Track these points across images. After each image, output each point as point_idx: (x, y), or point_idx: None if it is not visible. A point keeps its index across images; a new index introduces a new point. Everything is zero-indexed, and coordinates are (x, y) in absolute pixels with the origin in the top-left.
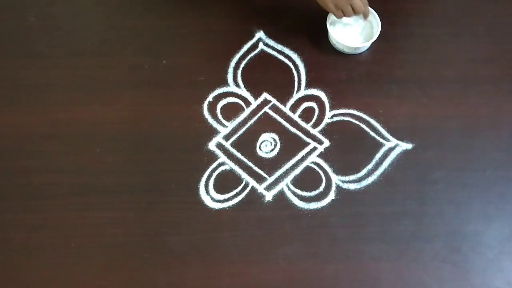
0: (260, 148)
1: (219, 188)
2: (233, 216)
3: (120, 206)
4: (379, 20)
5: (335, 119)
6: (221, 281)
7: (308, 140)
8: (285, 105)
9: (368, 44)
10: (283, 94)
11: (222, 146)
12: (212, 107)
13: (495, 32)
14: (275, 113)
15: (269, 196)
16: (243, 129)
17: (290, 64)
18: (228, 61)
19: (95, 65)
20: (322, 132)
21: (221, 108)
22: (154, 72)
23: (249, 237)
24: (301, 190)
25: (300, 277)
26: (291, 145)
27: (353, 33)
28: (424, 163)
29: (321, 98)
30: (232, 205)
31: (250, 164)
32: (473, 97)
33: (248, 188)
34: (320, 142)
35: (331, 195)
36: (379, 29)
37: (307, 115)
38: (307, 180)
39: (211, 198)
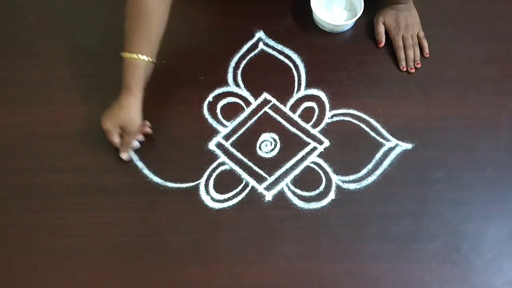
0: (260, 148)
1: (219, 188)
2: (233, 216)
3: (120, 206)
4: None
5: (335, 119)
6: (221, 281)
7: (308, 140)
8: (285, 105)
9: (349, 23)
10: (283, 94)
11: (222, 146)
12: (212, 107)
13: (495, 32)
14: (275, 113)
15: (269, 196)
16: (243, 129)
17: (290, 64)
18: (228, 61)
19: (95, 65)
20: (322, 132)
21: (221, 108)
22: (154, 72)
23: (249, 237)
24: (301, 190)
25: (300, 277)
26: (291, 145)
27: (337, 10)
28: (424, 163)
29: (321, 98)
30: (232, 205)
31: (250, 164)
32: (473, 97)
33: (248, 188)
34: (320, 142)
35: (331, 195)
36: (362, 6)
37: (307, 115)
38: (307, 180)
39: (211, 198)
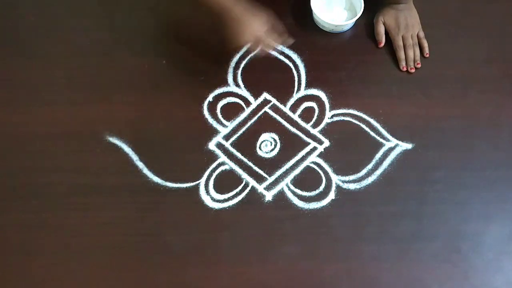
0: (260, 148)
1: (219, 188)
2: (233, 216)
3: (120, 206)
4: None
5: (335, 119)
6: (221, 281)
7: (308, 140)
8: (285, 105)
9: (349, 23)
10: (283, 94)
11: (222, 146)
12: (212, 107)
13: (495, 32)
14: (275, 113)
15: (269, 196)
16: (243, 129)
17: (290, 64)
18: (228, 61)
19: (95, 65)
20: (322, 132)
21: (221, 108)
22: (154, 72)
23: (249, 237)
24: (301, 190)
25: (300, 277)
26: (291, 145)
27: (337, 10)
28: (424, 163)
29: (321, 98)
30: (232, 205)
31: (250, 164)
32: (473, 97)
33: (248, 188)
34: (320, 142)
35: (331, 195)
36: (362, 6)
37: (307, 115)
38: (307, 180)
39: (211, 198)
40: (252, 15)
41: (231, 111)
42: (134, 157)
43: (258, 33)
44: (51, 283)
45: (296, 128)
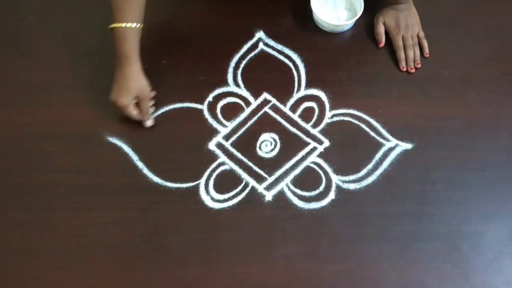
0: (260, 148)
1: (219, 188)
2: (233, 216)
3: (120, 206)
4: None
5: (335, 119)
6: (221, 281)
7: (308, 140)
8: (285, 105)
9: (349, 23)
10: (283, 94)
11: (222, 146)
12: (212, 107)
13: (495, 32)
14: (275, 113)
15: (269, 196)
16: (243, 129)
17: (290, 64)
18: (228, 61)
19: (95, 65)
20: (322, 132)
21: (221, 108)
22: (154, 72)
23: (249, 237)
24: (301, 190)
25: (300, 277)
26: (291, 145)
27: (337, 10)
28: (424, 163)
29: (321, 98)
30: (232, 205)
31: (250, 164)
32: (473, 97)
33: (248, 188)
34: (320, 142)
35: (331, 195)
36: (362, 6)
37: (307, 115)
38: (307, 180)
39: (211, 198)
40: (142, 77)
41: (231, 111)
42: (134, 157)
43: (125, 103)
44: (51, 283)
45: (296, 128)
